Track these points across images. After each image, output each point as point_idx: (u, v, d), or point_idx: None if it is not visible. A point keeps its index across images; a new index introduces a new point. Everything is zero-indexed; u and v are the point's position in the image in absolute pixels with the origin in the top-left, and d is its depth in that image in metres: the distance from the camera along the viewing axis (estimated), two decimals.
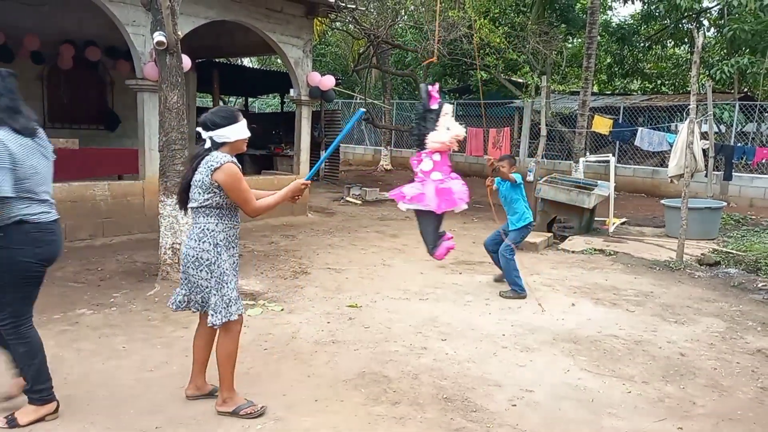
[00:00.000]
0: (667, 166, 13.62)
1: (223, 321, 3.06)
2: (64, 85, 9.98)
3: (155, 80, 6.63)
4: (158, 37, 5.50)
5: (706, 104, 10.10)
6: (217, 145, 3.00)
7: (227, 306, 3.07)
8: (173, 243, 5.81)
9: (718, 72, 10.92)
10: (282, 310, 4.98)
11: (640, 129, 12.74)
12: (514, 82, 16.39)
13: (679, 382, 3.80)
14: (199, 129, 3.00)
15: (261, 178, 9.57)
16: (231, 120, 2.99)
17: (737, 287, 6.11)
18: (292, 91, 9.56)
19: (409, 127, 17.00)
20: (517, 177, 5.81)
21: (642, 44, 18.82)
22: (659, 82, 20.59)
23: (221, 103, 16.95)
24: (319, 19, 12.28)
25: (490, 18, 13.43)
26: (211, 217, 3.01)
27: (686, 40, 18.74)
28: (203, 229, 3.02)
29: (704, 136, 9.80)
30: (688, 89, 19.35)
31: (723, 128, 13.59)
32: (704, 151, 9.28)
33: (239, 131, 3.01)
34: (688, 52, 20.02)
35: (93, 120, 10.53)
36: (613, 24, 19.03)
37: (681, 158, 7.63)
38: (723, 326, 4.92)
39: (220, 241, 3.04)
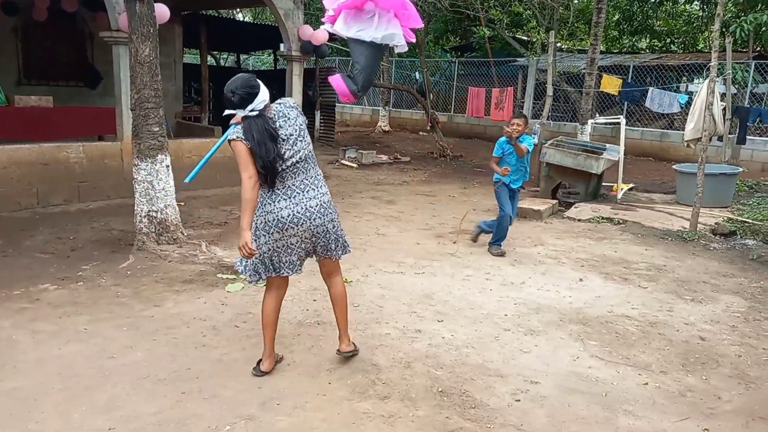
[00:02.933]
0: (676, 129, 13.13)
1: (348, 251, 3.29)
2: (40, 39, 9.33)
3: None
4: None
5: (722, 63, 9.50)
6: (262, 111, 2.97)
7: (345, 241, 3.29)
8: (149, 211, 5.37)
9: (738, 29, 10.24)
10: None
11: (650, 89, 12.13)
12: (518, 39, 15.66)
13: (701, 372, 3.42)
14: (231, 111, 2.96)
15: None
16: (257, 85, 2.98)
17: (756, 261, 5.69)
18: (282, 45, 8.95)
19: (408, 86, 16.36)
20: (530, 144, 5.64)
21: (652, 0, 17.98)
22: (669, 40, 19.79)
23: (211, 60, 16.21)
24: None
25: None
26: (315, 162, 3.12)
27: None
28: (321, 175, 3.17)
29: (720, 97, 9.24)
30: (699, 48, 18.69)
31: (734, 89, 12.98)
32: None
33: (265, 92, 3.00)
34: (699, 9, 19.17)
35: (72, 77, 9.90)
36: None
37: (699, 121, 7.10)
38: (744, 305, 4.53)
39: None
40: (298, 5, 8.72)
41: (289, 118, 3.00)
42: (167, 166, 5.45)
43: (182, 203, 6.73)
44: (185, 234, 5.60)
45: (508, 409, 2.95)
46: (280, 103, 3.05)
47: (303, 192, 3.03)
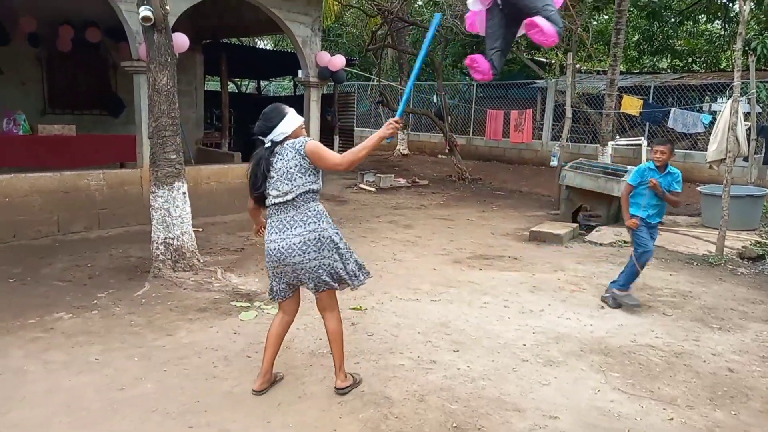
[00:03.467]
0: (700, 149, 12.88)
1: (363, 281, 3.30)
2: (64, 69, 9.55)
3: None
4: (144, 11, 5.03)
5: (745, 82, 9.32)
6: (278, 143, 3.11)
7: (359, 267, 3.28)
8: (166, 238, 5.39)
9: (760, 46, 10.07)
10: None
11: (673, 109, 11.95)
12: (536, 61, 15.63)
13: (730, 407, 3.25)
14: (259, 137, 3.14)
15: None
16: (280, 116, 3.11)
17: None
18: (300, 72, 9.03)
19: (426, 110, 16.39)
20: (675, 179, 4.81)
21: (673, 19, 17.84)
22: (690, 59, 19.57)
23: (231, 87, 16.50)
24: None
25: None
26: (316, 200, 3.16)
27: (720, 14, 17.72)
28: (316, 210, 3.13)
29: (744, 117, 9.04)
30: (722, 67, 18.43)
31: (759, 108, 12.72)
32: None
33: (292, 121, 3.12)
34: (721, 28, 18.95)
35: (96, 105, 10.11)
36: None
37: (723, 141, 6.94)
38: None
39: (329, 218, 3.21)
40: (316, 32, 8.82)
41: (284, 158, 3.07)
42: (184, 193, 5.47)
43: (200, 229, 6.77)
44: (201, 261, 5.60)
45: None
46: (294, 141, 3.11)
47: (291, 228, 3.09)
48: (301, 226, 3.08)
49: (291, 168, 3.05)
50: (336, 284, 3.21)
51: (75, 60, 9.54)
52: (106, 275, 5.40)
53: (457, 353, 3.87)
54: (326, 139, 12.39)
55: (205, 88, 13.08)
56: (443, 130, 13.53)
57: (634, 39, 18.90)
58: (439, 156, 16.74)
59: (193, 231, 5.63)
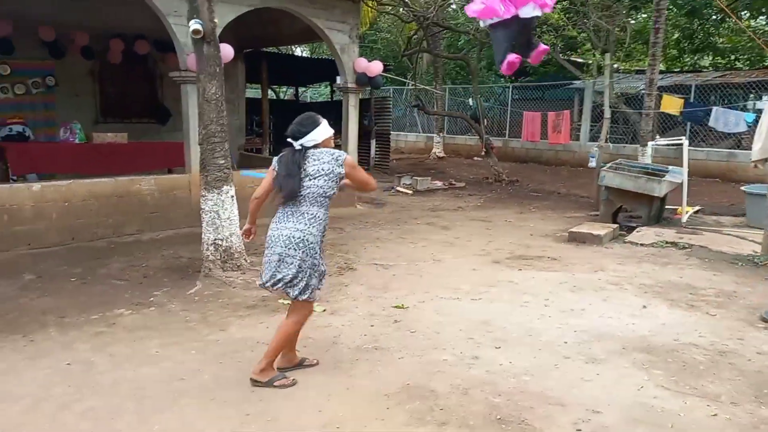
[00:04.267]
0: (744, 148, 12.59)
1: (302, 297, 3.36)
2: (115, 80, 10.01)
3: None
4: (194, 25, 5.28)
5: None
6: (309, 148, 3.32)
7: (307, 287, 3.35)
8: (215, 239, 5.62)
9: None
10: (324, 310, 4.69)
11: (715, 108, 11.73)
12: (573, 61, 15.50)
13: None
14: (290, 139, 3.33)
15: None
16: (314, 124, 3.34)
17: None
18: (338, 78, 9.24)
19: (462, 113, 16.44)
20: None
21: (714, 17, 17.45)
22: (733, 57, 19.10)
23: (270, 94, 16.89)
24: (369, 4, 11.91)
25: None
26: (323, 207, 3.35)
27: (764, 10, 17.24)
28: (314, 216, 3.32)
29: None
30: (766, 64, 17.93)
31: None
32: None
33: (323, 131, 3.36)
34: (766, 24, 18.45)
35: (144, 114, 10.55)
36: None
37: (767, 140, 6.82)
38: None
39: (323, 230, 3.39)
40: (354, 40, 9.02)
41: (318, 161, 3.29)
42: (232, 197, 5.71)
43: None
44: (248, 261, 5.82)
45: None
46: (329, 151, 3.35)
47: (285, 221, 3.32)
48: (293, 222, 3.29)
49: (324, 170, 3.27)
50: (304, 293, 3.33)
51: (124, 71, 9.98)
52: (159, 275, 5.67)
53: (499, 350, 3.96)
54: (363, 143, 12.59)
55: (246, 96, 13.44)
56: (479, 132, 13.57)
57: (674, 37, 18.55)
58: (475, 158, 16.77)
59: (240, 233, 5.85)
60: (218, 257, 5.61)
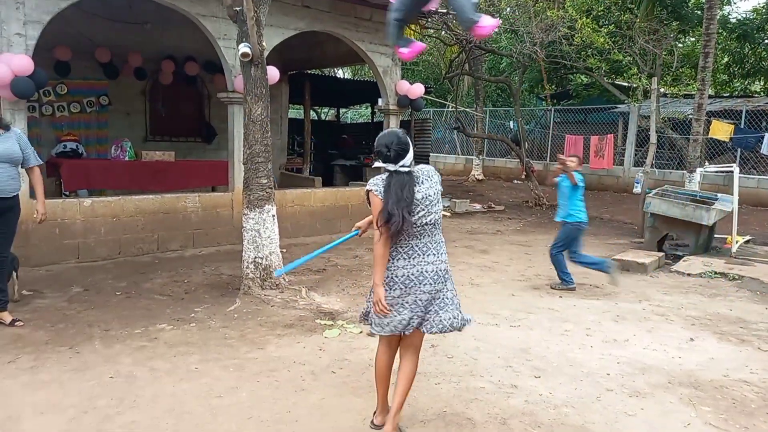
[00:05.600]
0: None
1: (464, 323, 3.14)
2: (165, 100, 10.38)
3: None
4: (243, 48, 5.44)
5: None
6: (408, 167, 3.00)
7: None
8: (255, 257, 5.70)
9: None
10: (360, 332, 4.68)
11: (766, 135, 11.34)
12: (617, 85, 15.30)
13: None
14: (380, 164, 2.98)
15: (348, 190, 9.41)
16: (409, 143, 3.02)
17: None
18: (380, 100, 9.34)
19: (502, 135, 16.36)
20: (579, 179, 6.10)
21: (766, 41, 16.98)
22: None
23: (313, 115, 17.15)
24: (412, 27, 12.04)
25: (592, 17, 12.57)
26: (440, 229, 3.10)
27: None
28: (443, 242, 3.09)
29: None
30: None
31: None
32: None
33: (411, 150, 3.05)
34: None
35: (191, 133, 10.88)
36: (732, 20, 17.31)
37: None
38: None
39: None
40: (396, 62, 9.12)
41: (431, 180, 3.00)
42: (273, 216, 5.79)
43: (284, 250, 7.07)
44: (287, 280, 5.87)
45: None
46: (425, 169, 3.06)
47: (423, 255, 2.96)
48: (434, 254, 2.97)
49: (434, 194, 2.98)
50: (456, 325, 3.06)
51: (174, 91, 10.34)
52: (201, 291, 5.77)
53: (539, 379, 3.87)
54: None
55: (289, 116, 13.71)
56: (520, 155, 13.46)
57: (724, 61, 18.13)
58: (515, 181, 16.62)
59: (280, 252, 5.93)
60: (258, 275, 5.68)
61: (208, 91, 10.76)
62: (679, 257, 7.53)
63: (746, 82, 19.71)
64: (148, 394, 3.55)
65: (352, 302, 5.50)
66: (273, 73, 6.79)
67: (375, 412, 3.24)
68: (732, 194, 8.08)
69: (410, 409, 3.41)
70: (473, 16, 3.98)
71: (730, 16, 18.06)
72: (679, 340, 4.67)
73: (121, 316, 4.95)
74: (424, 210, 2.93)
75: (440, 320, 3.00)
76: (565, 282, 6.14)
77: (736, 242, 8.04)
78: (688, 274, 6.76)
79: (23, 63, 5.77)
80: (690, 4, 15.55)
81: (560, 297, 5.86)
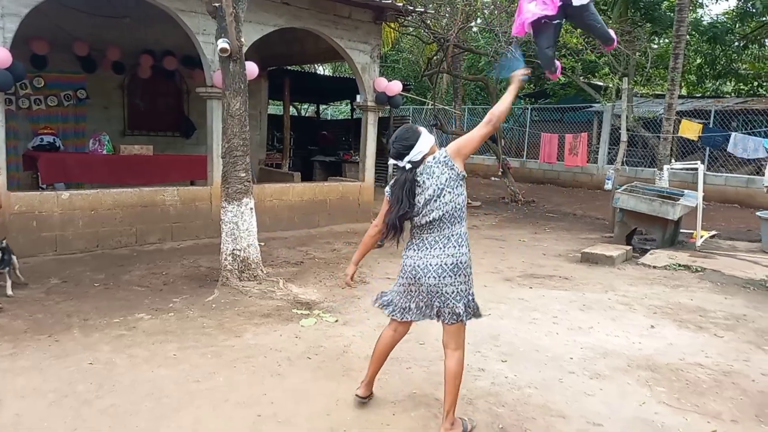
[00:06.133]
0: (763, 175, 12.51)
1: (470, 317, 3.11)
2: (143, 94, 10.38)
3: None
4: (222, 44, 5.53)
5: None
6: (418, 163, 3.00)
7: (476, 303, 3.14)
8: (233, 249, 5.80)
9: None
10: (336, 321, 4.83)
11: (733, 134, 11.74)
12: (593, 85, 15.62)
13: None
14: (394, 161, 3.04)
15: (326, 185, 9.53)
16: (416, 135, 3.01)
17: None
18: (358, 96, 9.47)
19: None
20: None
21: (737, 43, 17.47)
22: (756, 83, 19.05)
23: (291, 110, 17.21)
24: (391, 25, 12.18)
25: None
26: (463, 221, 3.03)
27: None
28: (461, 234, 3.02)
29: None
30: None
31: None
32: None
33: (427, 139, 3.03)
34: None
35: (170, 127, 10.89)
36: (704, 23, 17.77)
37: None
38: None
39: (469, 243, 3.09)
40: (375, 60, 9.26)
41: (432, 175, 2.96)
42: (251, 209, 5.89)
43: (263, 243, 7.17)
44: (264, 272, 5.98)
45: None
46: (434, 156, 3.01)
47: (430, 248, 3.00)
48: (440, 248, 2.98)
49: (442, 183, 2.93)
50: (467, 315, 3.07)
51: (153, 86, 10.34)
52: (179, 282, 5.86)
53: (505, 363, 4.05)
54: (381, 160, 12.78)
55: (268, 112, 13.77)
56: (496, 152, 13.70)
57: (696, 63, 18.59)
58: (492, 178, 16.87)
59: (258, 245, 6.03)
60: (236, 267, 5.78)
61: (186, 85, 10.77)
62: (647, 251, 7.80)
63: (717, 83, 20.23)
64: (127, 380, 3.64)
65: (328, 293, 5.64)
66: (252, 69, 6.87)
67: (362, 382, 3.40)
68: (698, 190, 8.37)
69: (381, 392, 3.56)
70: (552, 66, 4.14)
71: (702, 19, 18.54)
72: (640, 328, 4.89)
73: (99, 306, 5.02)
74: (428, 207, 2.96)
75: (451, 312, 3.04)
76: None
77: (701, 237, 8.33)
78: (654, 267, 7.02)
79: (1, 55, 5.78)
80: (663, 7, 15.92)
81: (530, 288, 6.06)
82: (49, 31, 8.58)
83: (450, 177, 2.95)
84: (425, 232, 3.04)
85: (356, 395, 3.38)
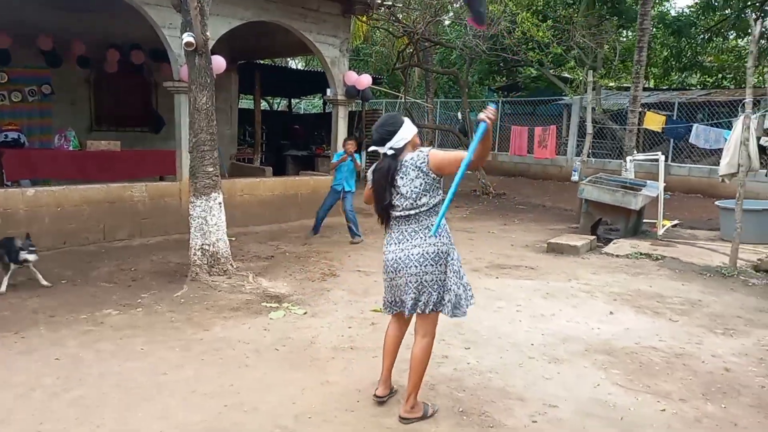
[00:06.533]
0: None
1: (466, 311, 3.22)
2: (110, 89, 10.23)
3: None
4: (187, 38, 5.52)
5: (766, 98, 9.44)
6: (400, 150, 3.08)
7: (467, 293, 3.23)
8: (203, 244, 5.82)
9: None
10: (305, 313, 4.90)
11: (695, 125, 12.07)
12: (562, 78, 15.88)
13: (721, 401, 3.48)
14: (375, 147, 3.11)
15: (297, 179, 9.56)
16: (399, 123, 3.08)
17: None
18: (328, 90, 9.50)
19: (451, 126, 16.76)
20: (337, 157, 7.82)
21: (701, 36, 17.91)
22: (720, 75, 19.55)
23: (264, 105, 17.13)
24: (362, 18, 12.22)
25: (533, 11, 13.01)
26: (437, 213, 3.05)
27: (750, 31, 17.72)
28: (432, 225, 3.04)
29: (766, 132, 9.16)
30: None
31: None
32: (764, 148, 8.66)
33: (410, 128, 3.10)
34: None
35: (138, 122, 10.77)
36: (669, 16, 18.16)
37: (734, 156, 7.11)
38: None
39: (449, 233, 3.17)
40: (344, 53, 9.30)
41: (407, 176, 3.03)
42: (220, 203, 5.91)
43: (234, 238, 7.21)
44: (234, 266, 6.01)
45: (524, 430, 3.12)
46: (412, 157, 3.05)
47: (411, 239, 3.07)
48: (421, 238, 3.06)
49: (416, 187, 3.01)
50: (444, 306, 3.12)
51: (120, 80, 10.21)
52: (148, 278, 5.86)
53: (468, 350, 4.18)
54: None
55: (240, 107, 13.70)
56: (467, 146, 13.85)
57: (663, 55, 18.99)
58: None
59: (228, 240, 6.06)
60: (205, 262, 5.80)
61: (155, 79, 10.65)
62: (611, 240, 8.02)
63: (683, 76, 20.70)
64: (95, 373, 3.67)
65: (298, 286, 5.70)
66: (219, 63, 6.87)
67: (378, 381, 3.41)
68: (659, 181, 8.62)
69: (347, 380, 3.66)
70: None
71: (668, 12, 18.94)
72: (600, 314, 5.06)
73: (66, 302, 5.01)
74: (407, 201, 3.05)
75: (427, 300, 3.10)
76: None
77: (663, 226, 8.60)
78: (617, 256, 7.24)
79: None
80: (629, 1, 16.22)
81: (496, 278, 6.20)
82: (12, 25, 8.43)
83: (426, 182, 3.03)
84: (403, 224, 3.12)
85: (374, 395, 3.34)
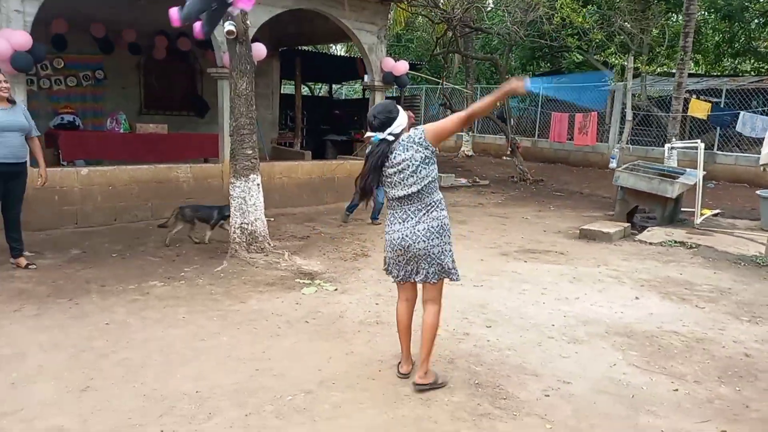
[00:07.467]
0: None
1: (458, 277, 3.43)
2: (159, 74, 10.71)
3: None
4: (228, 26, 5.78)
5: None
6: (397, 136, 3.25)
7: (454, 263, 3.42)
8: (242, 223, 6.12)
9: None
10: (335, 290, 5.13)
11: (742, 113, 11.71)
12: (607, 63, 15.57)
13: (736, 384, 3.54)
14: (372, 133, 3.27)
15: (334, 163, 9.80)
16: (397, 109, 3.26)
17: None
18: (366, 77, 9.67)
19: (491, 112, 16.67)
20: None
21: (755, 21, 17.19)
22: None
23: (305, 90, 17.39)
24: (401, 5, 12.30)
25: None
26: (437, 189, 3.33)
27: None
28: (440, 200, 3.33)
29: None
30: None
31: None
32: None
33: (405, 116, 3.29)
34: None
35: (184, 107, 11.23)
36: (720, 0, 17.50)
37: None
38: None
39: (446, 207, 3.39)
40: (381, 40, 9.43)
41: (407, 151, 3.19)
42: (258, 185, 6.19)
43: (272, 219, 7.52)
44: (271, 245, 6.30)
45: (536, 402, 3.26)
46: (410, 135, 3.23)
47: (415, 217, 3.26)
48: (425, 214, 3.25)
49: (417, 161, 3.18)
50: (450, 273, 3.35)
51: (167, 66, 10.65)
52: (191, 254, 6.21)
53: (489, 329, 4.32)
54: None
55: (282, 92, 14.01)
56: (505, 132, 13.82)
57: (714, 41, 18.33)
58: (503, 158, 16.97)
59: (266, 220, 6.34)
60: (244, 240, 6.10)
61: (201, 66, 11.06)
62: (646, 228, 7.96)
63: (736, 62, 19.93)
64: (140, 338, 3.99)
65: (331, 265, 5.94)
66: (259, 50, 7.13)
67: (400, 362, 3.59)
68: (702, 169, 8.47)
69: (370, 351, 3.87)
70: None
71: None
72: (625, 299, 5.12)
73: (116, 274, 5.39)
74: (399, 183, 3.23)
75: (438, 269, 3.32)
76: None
77: (702, 215, 8.47)
78: (650, 243, 7.20)
79: (22, 38, 6.11)
80: None
81: (525, 262, 6.30)
82: (68, 14, 8.90)
83: (425, 156, 3.22)
84: (406, 203, 3.30)
85: (399, 372, 3.51)
